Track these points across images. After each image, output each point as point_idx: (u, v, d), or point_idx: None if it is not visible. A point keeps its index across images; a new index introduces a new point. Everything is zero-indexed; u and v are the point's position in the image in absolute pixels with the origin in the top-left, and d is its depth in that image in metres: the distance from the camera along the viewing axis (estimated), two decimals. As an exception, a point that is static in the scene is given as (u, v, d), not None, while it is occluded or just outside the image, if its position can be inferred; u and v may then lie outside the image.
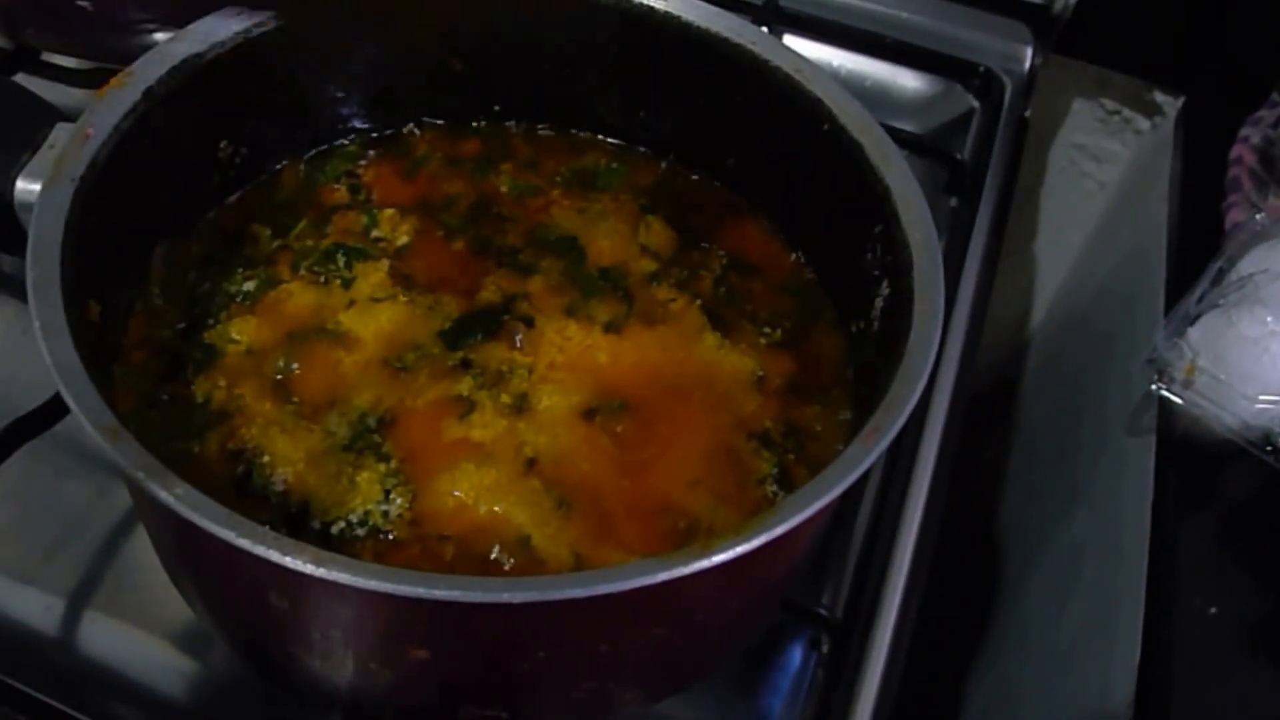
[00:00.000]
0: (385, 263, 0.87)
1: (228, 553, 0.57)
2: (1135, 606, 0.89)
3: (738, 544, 0.59)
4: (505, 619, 0.62)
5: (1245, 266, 0.93)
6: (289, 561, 0.56)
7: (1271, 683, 0.83)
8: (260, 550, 0.56)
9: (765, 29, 1.19)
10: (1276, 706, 0.82)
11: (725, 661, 0.84)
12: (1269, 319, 0.88)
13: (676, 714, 0.82)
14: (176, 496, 0.57)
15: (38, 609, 0.84)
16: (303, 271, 0.86)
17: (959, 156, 1.17)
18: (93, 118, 0.75)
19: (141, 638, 0.84)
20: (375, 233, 0.89)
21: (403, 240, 0.89)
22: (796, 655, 0.86)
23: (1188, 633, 0.85)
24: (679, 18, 0.87)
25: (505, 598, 0.56)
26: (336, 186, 0.93)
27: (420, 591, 0.56)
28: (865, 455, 0.63)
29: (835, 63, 1.28)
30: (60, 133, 0.76)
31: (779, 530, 0.60)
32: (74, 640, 0.83)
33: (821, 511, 0.62)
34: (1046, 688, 1.09)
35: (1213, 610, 0.86)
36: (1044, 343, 1.58)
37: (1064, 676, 1.05)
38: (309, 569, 0.56)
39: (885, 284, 0.78)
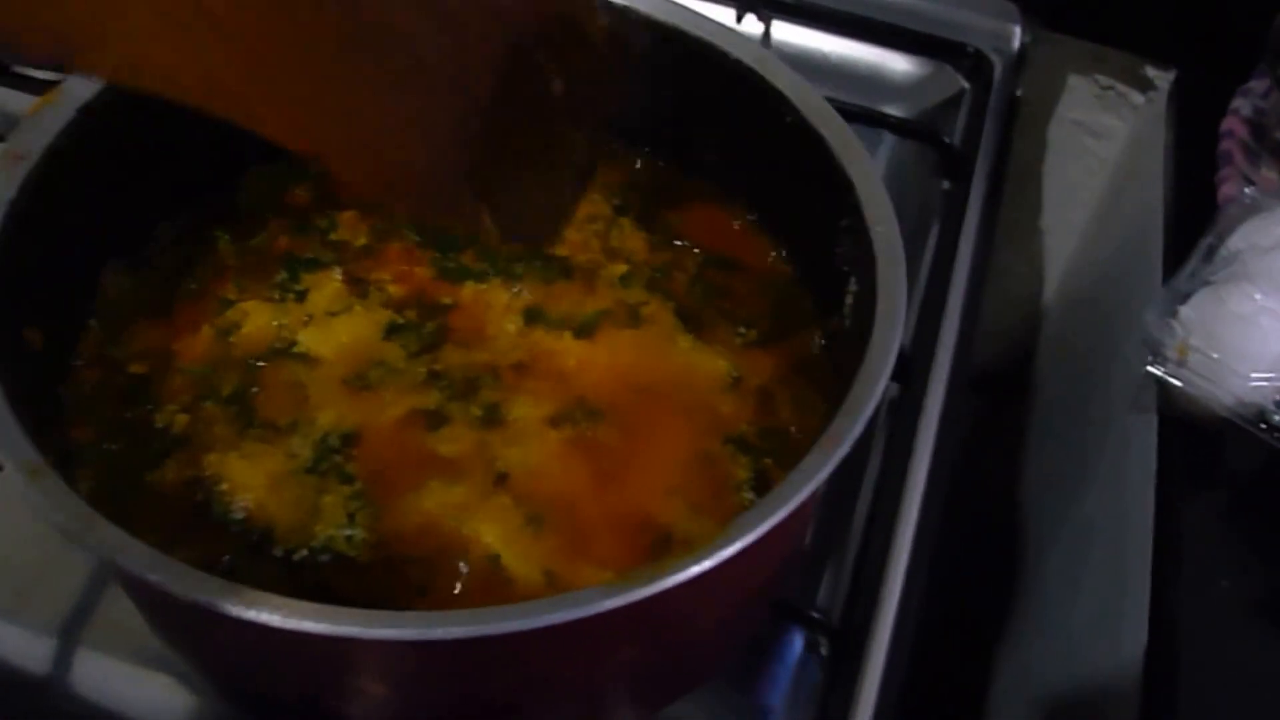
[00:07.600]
0: (338, 270, 0.85)
1: (169, 597, 0.55)
2: (1142, 584, 0.88)
3: (692, 564, 0.57)
4: (457, 652, 0.59)
5: (1235, 242, 0.91)
6: (219, 605, 0.54)
7: (1276, 655, 0.82)
8: (191, 596, 0.54)
9: (753, 16, 1.18)
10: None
11: (719, 670, 0.82)
12: (1258, 295, 0.86)
13: (677, 714, 0.80)
14: (100, 542, 0.55)
15: (21, 645, 0.82)
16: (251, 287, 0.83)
17: (948, 140, 1.15)
18: (23, 138, 0.73)
19: (132, 672, 0.81)
20: (333, 235, 0.87)
21: (361, 242, 0.87)
22: (797, 653, 0.84)
23: (1193, 609, 0.84)
24: (637, 10, 0.86)
25: (439, 634, 0.54)
26: (299, 190, 0.90)
27: (356, 631, 0.54)
28: (823, 464, 0.61)
29: (825, 48, 1.25)
30: (-9, 154, 0.74)
31: (735, 548, 0.58)
32: (61, 678, 0.81)
33: (783, 523, 0.60)
34: (1062, 667, 1.08)
35: (1220, 586, 0.85)
36: (1055, 319, 1.56)
37: (1078, 655, 1.03)
38: (240, 613, 0.54)
39: (853, 280, 0.77)
